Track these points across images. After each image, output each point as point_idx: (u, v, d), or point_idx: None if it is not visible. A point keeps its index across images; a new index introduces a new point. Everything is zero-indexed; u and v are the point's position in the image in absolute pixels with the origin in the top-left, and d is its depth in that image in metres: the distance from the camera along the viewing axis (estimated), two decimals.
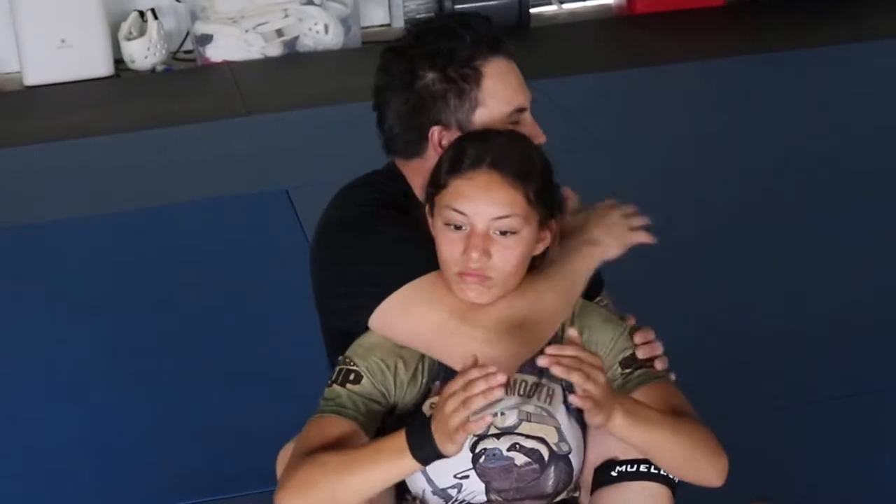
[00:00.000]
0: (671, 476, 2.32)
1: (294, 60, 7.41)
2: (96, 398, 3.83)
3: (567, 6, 8.00)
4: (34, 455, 3.58)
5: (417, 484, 2.35)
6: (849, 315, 3.94)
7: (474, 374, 2.05)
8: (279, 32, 7.51)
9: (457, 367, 2.18)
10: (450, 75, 2.39)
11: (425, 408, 2.28)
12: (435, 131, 2.41)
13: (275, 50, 7.49)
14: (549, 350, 2.08)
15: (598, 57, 7.07)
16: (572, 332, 2.15)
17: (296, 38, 7.52)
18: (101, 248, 4.93)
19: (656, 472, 2.31)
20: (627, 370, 2.32)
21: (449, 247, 2.26)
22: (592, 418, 2.13)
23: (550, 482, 2.34)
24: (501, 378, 2.04)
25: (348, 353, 2.34)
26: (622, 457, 2.32)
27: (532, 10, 7.68)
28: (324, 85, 6.76)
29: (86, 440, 3.63)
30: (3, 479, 3.49)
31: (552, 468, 2.33)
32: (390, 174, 2.51)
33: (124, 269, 4.71)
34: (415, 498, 2.38)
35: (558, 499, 2.38)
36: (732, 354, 3.76)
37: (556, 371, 2.06)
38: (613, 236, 2.43)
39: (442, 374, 2.32)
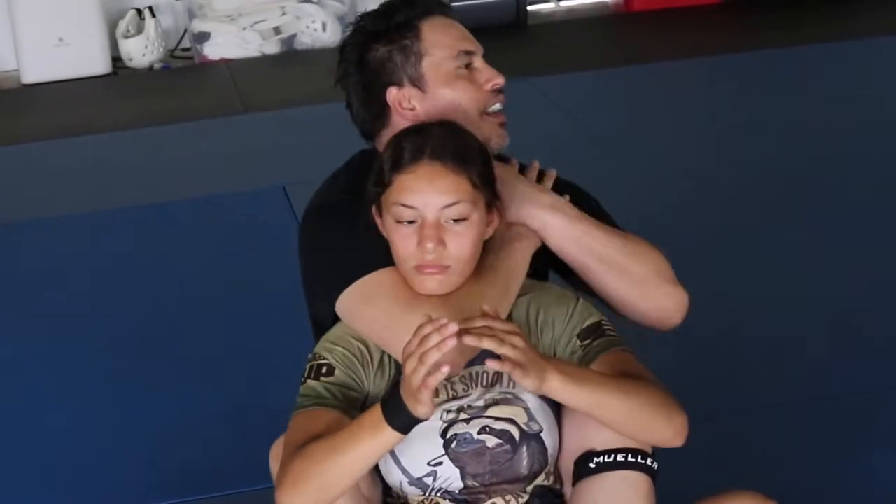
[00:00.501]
0: (648, 463, 2.34)
1: (291, 58, 7.41)
2: (92, 394, 3.83)
3: (564, 4, 8.01)
4: (29, 452, 3.58)
5: (394, 476, 2.37)
6: (848, 313, 3.94)
7: (427, 329, 2.10)
8: (277, 30, 7.52)
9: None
10: (391, 38, 2.49)
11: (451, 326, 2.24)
12: (391, 92, 2.50)
13: (272, 48, 7.49)
14: (459, 323, 2.11)
15: (596, 54, 7.08)
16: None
17: (293, 36, 7.53)
18: (98, 246, 4.93)
19: (634, 460, 2.33)
20: (586, 341, 2.36)
21: (403, 242, 2.30)
22: (521, 381, 2.17)
23: (524, 462, 2.35)
24: (453, 328, 2.08)
25: (316, 349, 2.39)
26: (600, 448, 2.34)
27: (530, 8, 7.69)
28: (321, 82, 6.68)
29: (83, 436, 3.63)
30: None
31: (524, 448, 2.35)
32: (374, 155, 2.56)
33: (121, 266, 4.71)
34: (398, 496, 2.39)
35: (537, 481, 2.39)
36: (730, 352, 3.76)
37: (467, 340, 2.11)
38: (527, 215, 2.47)
39: None
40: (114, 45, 7.37)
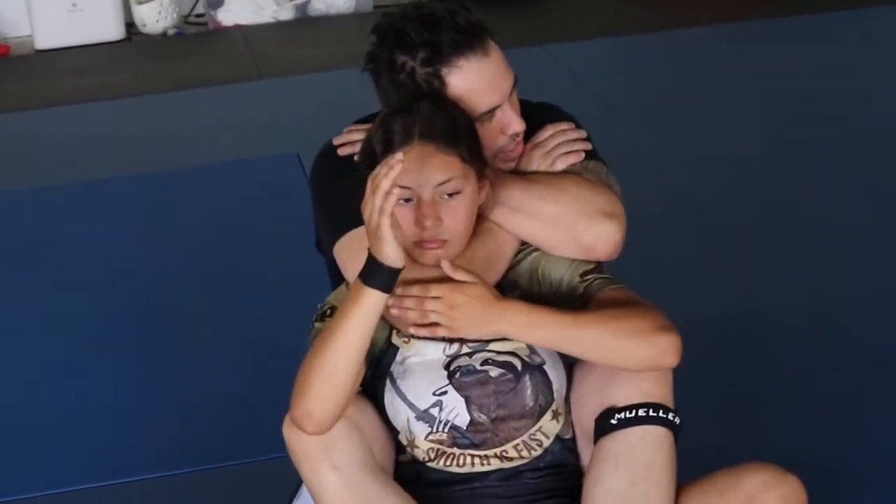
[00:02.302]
0: (670, 418, 2.35)
1: (306, 24, 7.39)
2: (107, 363, 3.84)
3: None
4: (45, 419, 3.59)
5: (401, 414, 2.41)
6: (876, 283, 3.93)
7: (380, 169, 2.23)
8: None
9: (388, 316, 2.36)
10: (417, 81, 2.45)
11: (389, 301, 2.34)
12: None
13: (286, 14, 7.47)
14: (395, 293, 2.29)
15: (612, 21, 7.03)
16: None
17: (307, 2, 7.50)
18: (112, 212, 4.93)
19: (656, 415, 2.34)
20: (586, 279, 2.42)
21: (401, 221, 2.34)
22: (458, 335, 2.33)
23: (529, 392, 2.39)
24: (399, 156, 2.21)
25: (326, 299, 2.48)
26: (621, 404, 2.35)
27: None
28: (335, 49, 6.74)
29: (96, 405, 3.64)
30: (20, 444, 3.50)
31: (527, 377, 2.39)
32: None
33: (135, 232, 4.72)
34: (408, 443, 2.42)
35: (545, 420, 2.42)
36: (756, 320, 3.76)
37: (393, 313, 2.30)
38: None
39: None
40: (127, 11, 7.35)
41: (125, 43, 7.28)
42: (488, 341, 2.40)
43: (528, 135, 2.57)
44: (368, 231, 2.25)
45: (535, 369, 2.40)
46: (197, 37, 7.41)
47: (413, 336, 2.39)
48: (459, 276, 2.32)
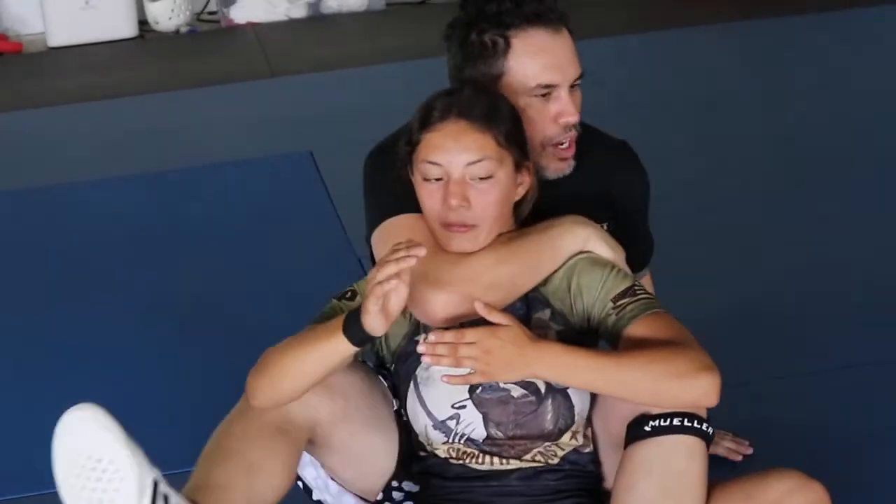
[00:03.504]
0: (704, 428, 2.33)
1: (318, 22, 7.38)
2: (119, 361, 3.83)
3: None
4: (45, 422, 3.57)
5: (420, 421, 2.42)
6: (878, 281, 3.92)
7: (401, 245, 2.21)
8: None
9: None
10: (484, 40, 2.48)
11: (420, 348, 2.33)
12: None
13: (299, 11, 7.46)
14: (428, 341, 2.27)
15: (622, 19, 7.02)
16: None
17: (320, 0, 7.49)
18: (124, 210, 4.93)
19: (690, 425, 2.32)
20: (619, 303, 2.37)
21: (430, 199, 2.36)
22: (492, 381, 2.30)
23: (549, 416, 2.38)
24: (420, 252, 2.18)
25: (357, 282, 2.48)
26: (656, 411, 2.32)
27: None
28: (348, 47, 6.74)
29: (107, 405, 3.62)
30: (19, 445, 3.49)
31: (549, 401, 2.38)
32: None
33: (147, 230, 4.71)
34: (427, 444, 2.44)
35: (564, 439, 2.41)
36: (775, 319, 3.74)
37: (425, 359, 2.27)
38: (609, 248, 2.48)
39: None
40: (140, 9, 7.35)
41: (138, 40, 7.28)
42: None
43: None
44: (365, 292, 2.24)
45: (558, 392, 2.38)
46: (209, 34, 7.41)
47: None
48: (495, 317, 2.27)
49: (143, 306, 4.14)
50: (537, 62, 2.48)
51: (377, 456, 2.48)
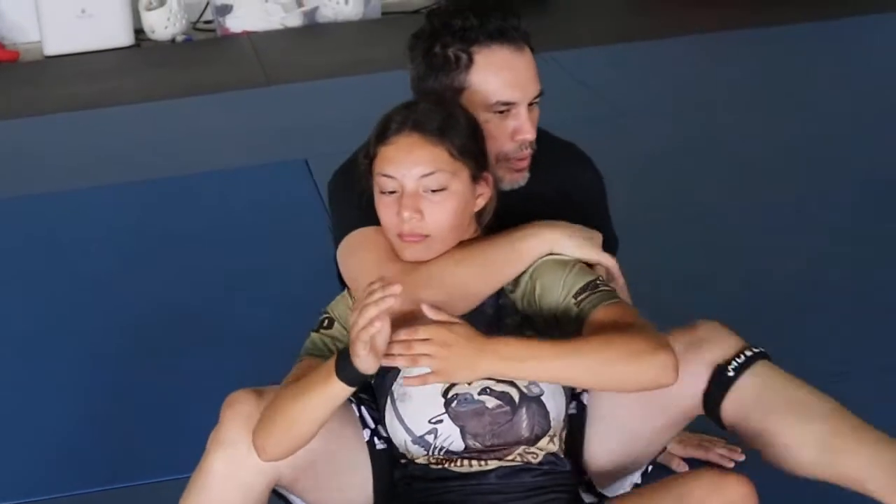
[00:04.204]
0: (762, 350, 2.48)
1: (314, 31, 7.41)
2: (113, 368, 3.83)
3: None
4: (45, 430, 3.58)
5: (399, 435, 2.44)
6: (877, 285, 3.93)
7: (375, 286, 2.20)
8: (299, 3, 7.51)
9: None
10: (447, 54, 2.52)
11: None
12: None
13: (295, 20, 7.49)
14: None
15: (617, 29, 7.05)
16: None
17: (316, 9, 7.52)
18: (120, 218, 4.94)
19: (752, 353, 2.48)
20: (580, 298, 2.39)
21: (385, 211, 2.40)
22: (448, 380, 2.30)
23: (525, 424, 2.40)
24: (396, 289, 2.18)
25: (328, 305, 2.51)
26: (723, 359, 2.46)
27: None
28: (343, 56, 6.76)
29: (98, 415, 3.62)
30: (20, 448, 3.50)
31: (524, 410, 2.40)
32: None
33: (143, 238, 4.72)
34: (408, 456, 2.46)
35: (541, 444, 2.43)
36: (767, 323, 3.75)
37: (385, 361, 2.24)
38: (577, 246, 2.49)
39: None
40: (136, 18, 7.38)
41: (134, 49, 7.30)
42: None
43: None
44: (350, 336, 2.23)
45: (532, 401, 2.40)
46: (205, 43, 7.43)
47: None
48: (441, 317, 2.27)
49: (138, 314, 4.14)
50: (499, 79, 2.52)
51: (351, 493, 2.51)
